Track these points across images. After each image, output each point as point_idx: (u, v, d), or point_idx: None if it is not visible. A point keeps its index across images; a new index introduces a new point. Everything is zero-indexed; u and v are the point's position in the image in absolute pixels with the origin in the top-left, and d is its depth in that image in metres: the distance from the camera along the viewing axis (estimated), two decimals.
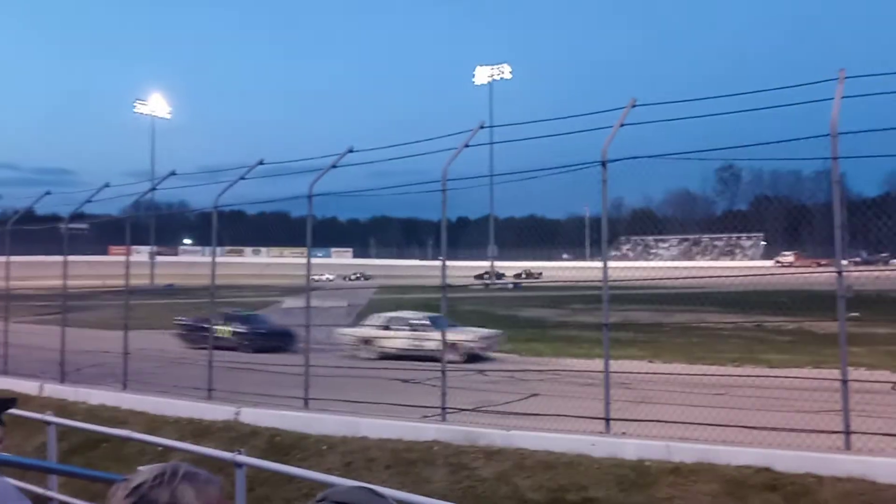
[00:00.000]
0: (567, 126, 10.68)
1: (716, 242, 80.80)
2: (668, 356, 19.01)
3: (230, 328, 22.30)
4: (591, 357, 16.89)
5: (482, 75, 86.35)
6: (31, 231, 19.28)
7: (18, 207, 19.66)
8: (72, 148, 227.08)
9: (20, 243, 19.05)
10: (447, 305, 12.58)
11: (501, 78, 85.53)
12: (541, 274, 55.44)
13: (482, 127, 11.07)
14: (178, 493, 1.37)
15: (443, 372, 10.93)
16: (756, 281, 29.35)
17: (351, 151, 12.02)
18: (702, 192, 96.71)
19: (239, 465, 4.68)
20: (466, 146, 10.89)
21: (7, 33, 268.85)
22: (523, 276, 60.54)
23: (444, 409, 10.75)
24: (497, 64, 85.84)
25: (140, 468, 1.42)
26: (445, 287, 12.05)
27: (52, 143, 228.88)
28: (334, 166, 12.00)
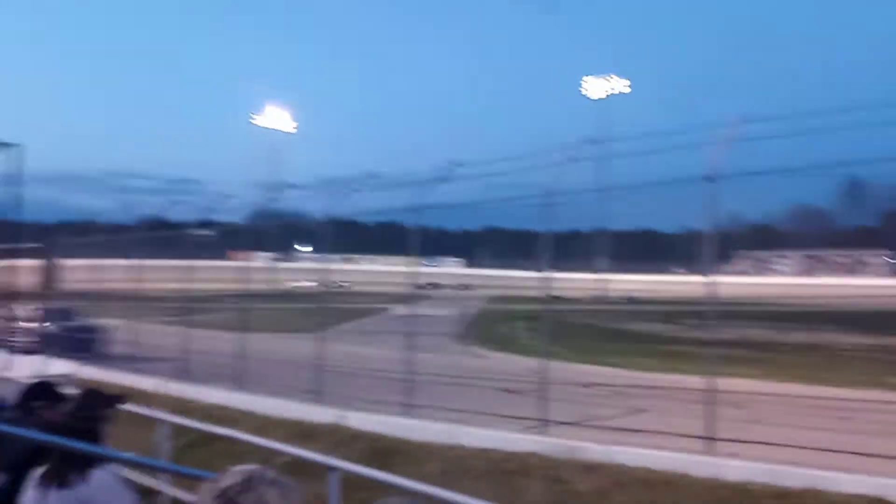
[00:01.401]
0: (674, 141, 10.50)
1: (839, 259, 76.36)
2: (785, 376, 18.23)
3: None
4: (702, 374, 16.41)
5: (594, 87, 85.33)
6: (160, 237, 20.46)
7: (149, 215, 20.93)
8: (201, 158, 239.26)
9: (150, 248, 20.25)
10: (555, 318, 12.51)
11: (613, 91, 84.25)
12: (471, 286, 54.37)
13: (587, 141, 11.04)
14: (264, 497, 1.47)
15: (543, 384, 10.91)
16: (884, 300, 27.74)
17: (459, 166, 12.24)
18: (824, 207, 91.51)
19: (333, 468, 4.84)
20: (570, 161, 10.88)
21: (143, 51, 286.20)
22: (460, 287, 59.60)
23: (543, 421, 10.72)
24: (609, 75, 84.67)
25: (231, 469, 1.53)
26: (550, 300, 12.04)
27: (183, 154, 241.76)
28: (441, 180, 12.24)
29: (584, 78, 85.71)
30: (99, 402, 3.88)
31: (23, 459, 3.76)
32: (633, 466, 8.94)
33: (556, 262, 12.13)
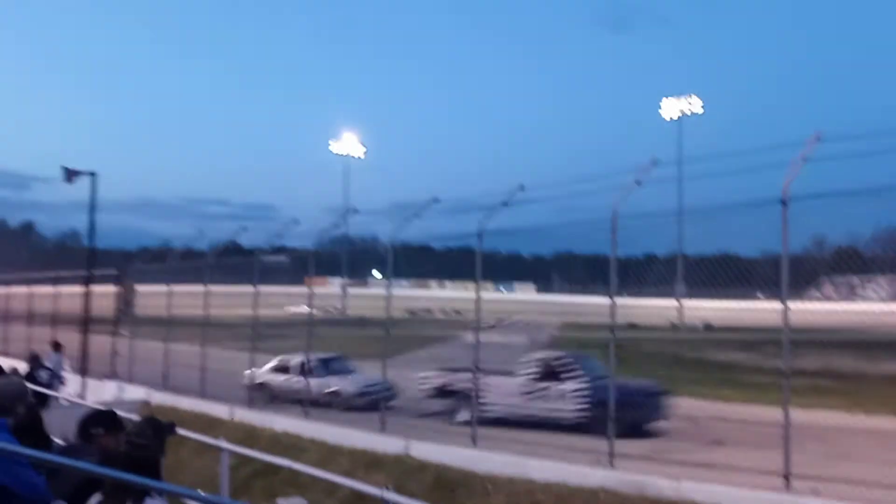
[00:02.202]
0: (750, 162, 10.17)
1: None
2: (874, 409, 17.31)
3: None
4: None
5: (670, 108, 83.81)
6: (233, 263, 20.77)
7: (221, 241, 21.30)
8: (276, 185, 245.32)
9: (222, 274, 20.58)
10: (630, 347, 12.19)
11: (691, 112, 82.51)
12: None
13: (654, 164, 10.80)
14: None
15: (609, 417, 10.63)
16: None
17: (521, 189, 12.18)
18: None
19: (386, 501, 4.79)
20: (642, 183, 10.67)
21: (221, 80, 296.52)
22: (454, 313, 57.96)
23: (613, 454, 10.43)
24: (686, 95, 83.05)
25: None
26: (623, 327, 11.78)
27: (259, 180, 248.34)
28: (505, 204, 12.19)
29: (663, 99, 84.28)
30: (155, 430, 3.92)
31: (81, 487, 3.81)
32: (703, 502, 8.59)
33: (630, 287, 11.83)
